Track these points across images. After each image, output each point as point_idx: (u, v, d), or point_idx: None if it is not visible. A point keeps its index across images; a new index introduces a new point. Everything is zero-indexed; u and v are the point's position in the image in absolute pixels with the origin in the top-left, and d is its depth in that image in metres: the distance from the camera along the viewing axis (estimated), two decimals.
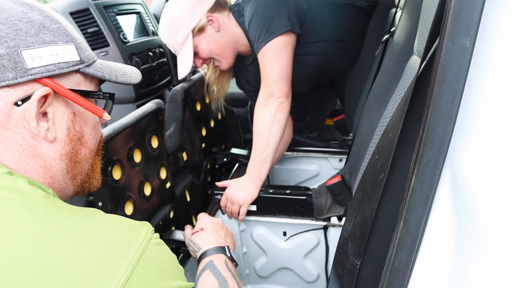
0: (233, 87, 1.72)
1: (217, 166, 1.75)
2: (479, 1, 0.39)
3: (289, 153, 1.80)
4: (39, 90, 0.53)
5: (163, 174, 1.24)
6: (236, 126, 1.97)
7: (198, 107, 1.59)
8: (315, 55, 1.50)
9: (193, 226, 1.14)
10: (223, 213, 1.39)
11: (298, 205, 1.33)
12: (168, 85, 1.99)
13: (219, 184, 1.41)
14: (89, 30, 1.60)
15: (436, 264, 0.49)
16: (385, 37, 1.24)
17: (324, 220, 1.31)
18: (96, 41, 1.63)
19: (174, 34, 1.36)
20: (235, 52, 1.48)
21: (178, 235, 1.18)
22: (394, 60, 1.01)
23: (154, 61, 1.84)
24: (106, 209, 0.95)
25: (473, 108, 0.43)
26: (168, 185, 1.27)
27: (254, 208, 1.36)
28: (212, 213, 1.35)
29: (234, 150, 1.73)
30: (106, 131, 0.96)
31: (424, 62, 0.60)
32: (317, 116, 1.93)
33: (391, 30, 1.22)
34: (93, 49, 1.60)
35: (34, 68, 0.53)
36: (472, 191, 0.42)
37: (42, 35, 0.54)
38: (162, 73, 1.91)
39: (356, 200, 0.78)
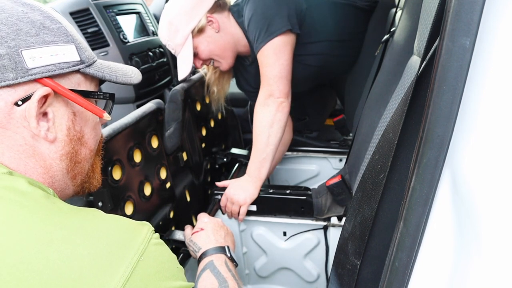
0: (233, 87, 1.72)
1: (217, 166, 1.75)
2: (479, 1, 0.39)
3: (289, 153, 1.80)
4: (40, 90, 0.53)
5: (163, 174, 1.24)
6: (236, 126, 1.97)
7: (198, 107, 1.59)
8: (315, 55, 1.50)
9: (193, 226, 1.14)
10: (223, 213, 1.39)
11: (298, 205, 1.33)
12: (168, 85, 1.99)
13: (219, 184, 1.41)
14: (89, 30, 1.60)
15: (436, 264, 0.49)
16: (385, 37, 1.24)
17: (324, 220, 1.31)
18: (96, 41, 1.63)
19: (174, 35, 1.36)
20: (235, 53, 1.48)
21: (178, 235, 1.18)
22: (394, 60, 1.01)
23: (154, 61, 1.84)
24: (106, 209, 0.95)
25: (473, 108, 0.43)
26: (168, 185, 1.27)
27: (254, 208, 1.36)
28: (212, 213, 1.35)
29: (234, 150, 1.73)
30: (106, 131, 0.96)
31: (424, 62, 0.60)
32: (317, 116, 1.93)
33: (391, 30, 1.22)
34: (93, 49, 1.60)
35: (35, 68, 0.53)
36: (472, 191, 0.42)
37: (42, 35, 0.54)
38: (162, 73, 1.91)
39: (356, 200, 0.78)
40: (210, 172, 1.68)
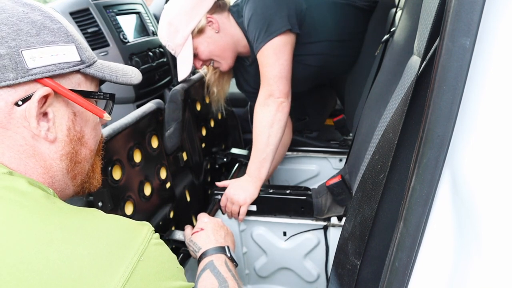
0: (233, 87, 1.72)
1: (217, 166, 1.75)
2: (479, 1, 0.39)
3: (289, 153, 1.80)
4: (40, 90, 0.53)
5: (163, 174, 1.24)
6: (236, 126, 1.97)
7: (198, 107, 1.59)
8: (315, 55, 1.50)
9: (193, 226, 1.14)
10: (223, 213, 1.39)
11: (298, 205, 1.33)
12: (168, 85, 1.99)
13: (219, 184, 1.41)
14: (89, 30, 1.60)
15: (436, 264, 0.49)
16: (385, 37, 1.24)
17: (324, 220, 1.31)
18: (96, 41, 1.63)
19: (174, 36, 1.36)
20: (235, 53, 1.48)
21: (178, 235, 1.18)
22: (394, 60, 1.01)
23: (154, 61, 1.84)
24: (106, 209, 0.95)
25: (473, 108, 0.43)
26: (168, 185, 1.27)
27: (254, 208, 1.36)
28: (212, 213, 1.35)
29: (234, 150, 1.73)
30: (106, 131, 0.96)
31: (424, 62, 0.60)
32: (317, 116, 1.93)
33: (391, 30, 1.22)
34: (93, 49, 1.60)
35: (35, 68, 0.53)
36: (472, 191, 0.42)
37: (43, 35, 0.54)
38: (162, 73, 1.91)
39: (356, 200, 0.78)
40: (210, 172, 1.68)
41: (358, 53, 1.59)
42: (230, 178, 1.50)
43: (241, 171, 1.61)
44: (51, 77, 0.55)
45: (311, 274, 1.44)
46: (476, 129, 0.43)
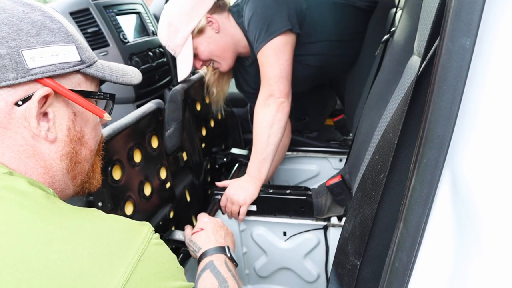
0: (232, 87, 1.72)
1: (217, 166, 1.75)
2: (479, 1, 0.39)
3: (289, 153, 1.80)
4: (40, 90, 0.53)
5: (163, 174, 1.24)
6: (236, 126, 1.97)
7: (198, 107, 1.59)
8: (315, 55, 1.50)
9: (193, 226, 1.14)
10: (223, 213, 1.39)
11: (298, 205, 1.33)
12: (168, 85, 1.99)
13: (219, 184, 1.41)
14: (89, 30, 1.60)
15: (436, 265, 0.49)
16: (385, 37, 1.24)
17: (324, 220, 1.31)
18: (96, 41, 1.63)
19: (174, 36, 1.36)
20: (235, 54, 1.48)
21: (178, 235, 1.18)
22: (394, 60, 1.01)
23: (154, 61, 1.84)
24: (106, 209, 0.95)
25: (473, 109, 0.43)
26: (168, 185, 1.27)
27: (254, 208, 1.36)
28: (212, 213, 1.35)
29: (234, 150, 1.73)
30: (106, 131, 0.96)
31: (424, 62, 0.60)
32: (317, 116, 1.93)
33: (391, 30, 1.22)
34: (93, 49, 1.60)
35: (35, 68, 0.53)
36: (472, 191, 0.42)
37: (43, 35, 0.54)
38: (162, 73, 1.91)
39: (356, 200, 0.78)
40: (210, 172, 1.68)
41: (358, 53, 1.59)
42: (230, 178, 1.50)
43: (241, 171, 1.61)
44: (51, 77, 0.55)
45: (311, 274, 1.44)
46: (476, 129, 0.42)
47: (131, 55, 1.72)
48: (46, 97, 0.54)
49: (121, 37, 1.70)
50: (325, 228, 1.32)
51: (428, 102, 0.45)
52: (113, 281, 0.46)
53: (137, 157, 1.10)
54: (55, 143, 0.57)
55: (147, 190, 1.15)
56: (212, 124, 1.73)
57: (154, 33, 1.95)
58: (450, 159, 0.46)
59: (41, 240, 0.45)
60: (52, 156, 0.57)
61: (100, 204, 0.93)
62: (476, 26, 0.39)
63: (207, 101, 1.67)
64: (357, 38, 1.56)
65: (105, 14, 1.67)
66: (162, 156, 1.24)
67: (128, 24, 1.80)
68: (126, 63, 1.66)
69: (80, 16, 1.59)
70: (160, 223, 1.21)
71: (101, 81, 0.66)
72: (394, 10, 1.33)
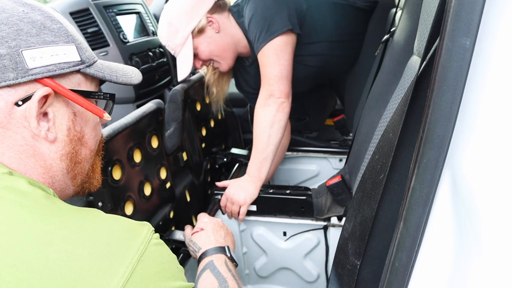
0: (233, 87, 1.72)
1: (217, 166, 1.75)
2: (479, 1, 0.39)
3: (289, 153, 1.80)
4: (40, 90, 0.53)
5: (163, 174, 1.24)
6: (236, 126, 1.97)
7: (198, 107, 1.59)
8: (315, 56, 1.50)
9: (193, 226, 1.14)
10: (223, 213, 1.39)
11: (298, 205, 1.33)
12: (168, 85, 1.99)
13: (219, 184, 1.41)
14: (89, 30, 1.60)
15: (436, 265, 0.49)
16: (385, 37, 1.24)
17: (324, 220, 1.31)
18: (96, 41, 1.63)
19: (174, 36, 1.36)
20: (235, 54, 1.48)
21: (178, 235, 1.18)
22: (394, 60, 1.01)
23: (154, 61, 1.84)
24: (106, 209, 0.95)
25: (473, 108, 0.43)
26: (168, 185, 1.27)
27: (254, 208, 1.36)
28: (212, 213, 1.35)
29: (234, 150, 1.73)
30: (106, 131, 0.96)
31: (424, 62, 0.60)
32: (317, 116, 1.93)
33: (391, 30, 1.22)
34: (93, 49, 1.60)
35: (35, 68, 0.53)
36: (472, 191, 0.42)
37: (43, 35, 0.54)
38: (162, 73, 1.91)
39: (356, 200, 0.78)
40: (210, 172, 1.68)
41: (358, 53, 1.59)
42: (230, 178, 1.50)
43: (241, 171, 1.61)
44: (51, 77, 0.55)
45: (311, 274, 1.44)
46: (476, 129, 0.43)
47: (131, 55, 1.72)
48: (46, 97, 0.54)
49: (121, 37, 1.70)
50: (325, 228, 1.32)
51: (428, 102, 0.45)
52: (113, 281, 0.46)
53: (137, 157, 1.10)
54: (55, 143, 0.57)
55: (147, 190, 1.15)
56: (212, 124, 1.73)
57: (154, 33, 1.95)
58: (450, 159, 0.46)
59: (41, 240, 0.45)
60: (52, 156, 0.57)
61: (100, 204, 0.93)
62: (476, 26, 0.39)
63: (207, 101, 1.67)
64: (357, 38, 1.56)
65: (105, 14, 1.67)
66: (162, 156, 1.24)
67: (128, 24, 1.80)
68: (126, 63, 1.66)
69: (80, 16, 1.59)
70: (160, 223, 1.21)
71: (101, 81, 0.66)
72: (394, 10, 1.33)
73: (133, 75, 0.70)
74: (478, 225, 0.41)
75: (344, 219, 1.25)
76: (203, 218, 1.12)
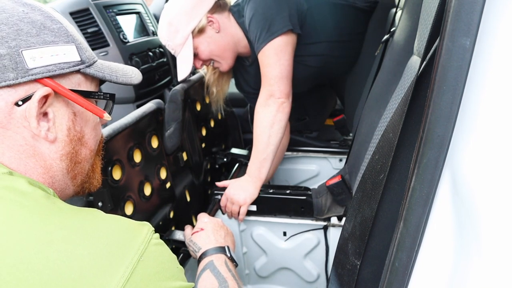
0: (233, 87, 1.72)
1: (217, 166, 1.75)
2: (479, 1, 0.39)
3: (289, 153, 1.81)
4: (40, 90, 0.53)
5: (163, 174, 1.24)
6: (236, 126, 1.97)
7: (198, 107, 1.59)
8: (315, 56, 1.50)
9: (193, 226, 1.14)
10: (223, 213, 1.39)
11: (298, 205, 1.33)
12: (168, 85, 1.99)
13: (219, 184, 1.41)
14: (89, 30, 1.60)
15: (436, 265, 0.49)
16: (385, 37, 1.24)
17: (324, 220, 1.31)
18: (96, 41, 1.63)
19: (174, 35, 1.36)
20: (235, 53, 1.48)
21: (178, 235, 1.18)
22: (394, 60, 1.01)
23: (154, 61, 1.84)
24: (106, 209, 0.95)
25: (473, 108, 0.43)
26: (168, 185, 1.27)
27: (254, 208, 1.36)
28: (212, 213, 1.35)
29: (234, 150, 1.73)
30: (106, 131, 0.97)
31: (424, 62, 0.60)
32: (317, 116, 1.93)
33: (391, 30, 1.22)
34: (93, 49, 1.60)
35: (35, 68, 0.53)
36: (472, 191, 0.42)
37: (43, 35, 0.54)
38: (162, 73, 1.91)
39: (356, 200, 0.78)
40: (210, 172, 1.68)
41: (358, 53, 1.59)
42: (230, 178, 1.50)
43: (241, 171, 1.61)
44: (51, 77, 0.55)
45: (311, 274, 1.44)
46: (476, 129, 0.42)
47: (131, 55, 1.72)
48: (46, 97, 0.54)
49: (121, 37, 1.70)
50: (325, 228, 1.32)
51: (428, 102, 0.45)
52: (113, 281, 0.46)
53: (137, 157, 1.10)
54: (55, 143, 0.57)
55: (147, 190, 1.15)
56: (212, 124, 1.73)
57: (154, 33, 1.95)
58: (450, 159, 0.46)
59: (41, 240, 0.45)
60: (52, 156, 0.57)
61: (100, 204, 0.93)
62: (476, 26, 0.39)
63: (207, 101, 1.67)
64: (357, 38, 1.56)
65: (105, 14, 1.67)
66: (162, 156, 1.24)
67: (128, 24, 1.80)
68: (126, 63, 1.66)
69: (80, 16, 1.59)
70: (160, 223, 1.21)
71: (101, 81, 0.66)
72: (394, 10, 1.33)
73: (133, 75, 0.70)
74: (478, 225, 0.41)
75: (344, 219, 1.25)
76: (203, 218, 1.12)
